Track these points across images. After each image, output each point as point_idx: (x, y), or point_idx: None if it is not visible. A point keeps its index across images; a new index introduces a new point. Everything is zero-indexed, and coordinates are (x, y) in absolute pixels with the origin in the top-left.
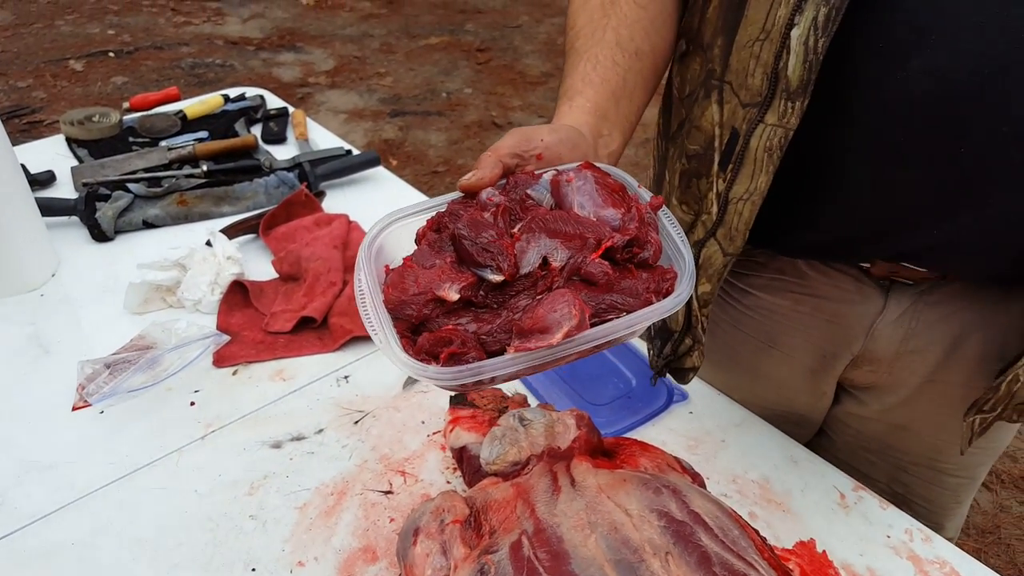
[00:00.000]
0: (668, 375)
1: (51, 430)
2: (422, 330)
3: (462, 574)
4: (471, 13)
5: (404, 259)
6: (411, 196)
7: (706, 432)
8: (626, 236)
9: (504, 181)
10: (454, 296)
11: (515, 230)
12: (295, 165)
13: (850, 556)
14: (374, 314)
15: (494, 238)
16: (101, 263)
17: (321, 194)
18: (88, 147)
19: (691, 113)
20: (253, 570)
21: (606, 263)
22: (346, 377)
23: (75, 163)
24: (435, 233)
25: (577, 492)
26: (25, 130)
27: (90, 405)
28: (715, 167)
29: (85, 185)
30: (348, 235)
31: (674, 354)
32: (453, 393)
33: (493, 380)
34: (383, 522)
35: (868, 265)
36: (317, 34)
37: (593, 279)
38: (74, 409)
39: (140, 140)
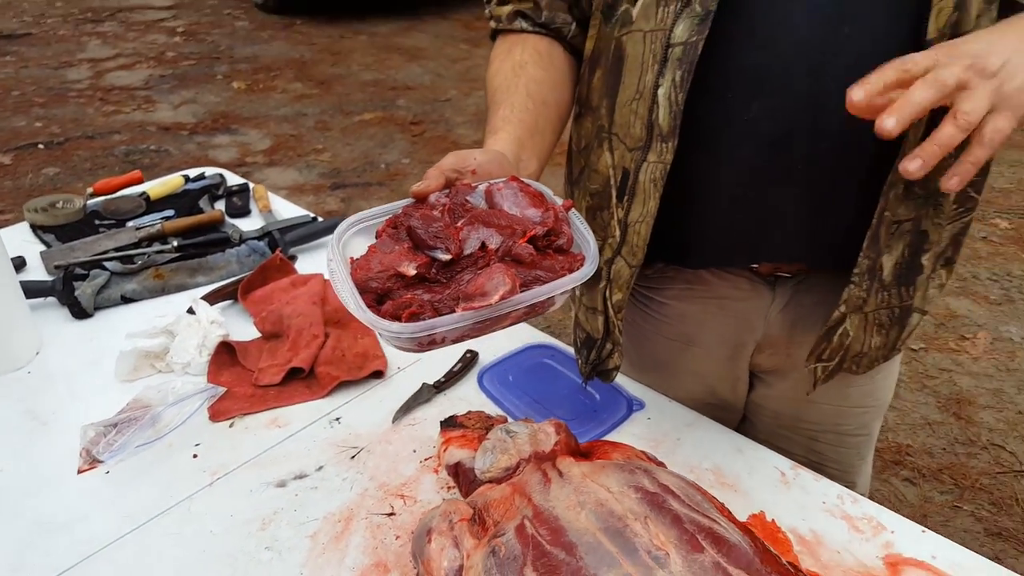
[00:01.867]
0: (597, 377)
1: (60, 494)
2: (385, 300)
3: (476, 559)
4: (401, 90)
5: (369, 247)
6: None
7: (663, 433)
8: (545, 228)
9: (447, 191)
10: (412, 271)
11: (458, 224)
12: (265, 234)
13: (795, 521)
14: (345, 288)
15: (442, 228)
16: (83, 339)
17: (292, 258)
18: (55, 232)
19: (588, 161)
20: None
21: (530, 247)
22: (338, 419)
23: (43, 248)
24: (392, 229)
25: (565, 481)
26: None
27: (96, 466)
28: (613, 200)
29: (57, 267)
30: (325, 292)
31: (599, 358)
32: (441, 418)
33: (444, 340)
34: (390, 540)
35: (756, 266)
36: (251, 116)
37: (521, 259)
38: (79, 472)
39: (106, 222)
